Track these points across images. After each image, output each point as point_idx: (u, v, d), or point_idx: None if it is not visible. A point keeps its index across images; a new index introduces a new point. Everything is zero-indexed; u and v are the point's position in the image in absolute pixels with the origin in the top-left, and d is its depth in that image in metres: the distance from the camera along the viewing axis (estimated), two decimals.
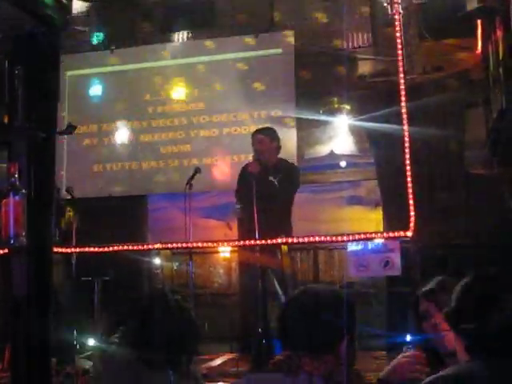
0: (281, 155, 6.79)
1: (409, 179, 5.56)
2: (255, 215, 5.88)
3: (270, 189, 6.36)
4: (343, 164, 8.85)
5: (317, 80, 8.71)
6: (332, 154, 8.86)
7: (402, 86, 5.71)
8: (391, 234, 5.60)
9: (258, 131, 6.79)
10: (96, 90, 9.50)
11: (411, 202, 5.54)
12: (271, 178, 6.45)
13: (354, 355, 2.37)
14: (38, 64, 2.39)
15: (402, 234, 5.47)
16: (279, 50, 8.92)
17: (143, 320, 3.08)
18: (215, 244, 6.77)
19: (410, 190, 5.56)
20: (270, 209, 6.14)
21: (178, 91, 9.27)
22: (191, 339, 3.16)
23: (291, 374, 2.21)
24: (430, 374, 2.41)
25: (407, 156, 5.58)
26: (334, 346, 2.29)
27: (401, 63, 5.81)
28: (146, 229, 9.52)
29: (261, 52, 9.00)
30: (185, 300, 3.31)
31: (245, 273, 6.47)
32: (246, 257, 6.29)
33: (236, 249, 7.09)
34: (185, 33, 9.43)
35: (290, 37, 8.90)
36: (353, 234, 5.76)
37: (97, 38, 9.36)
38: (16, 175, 2.29)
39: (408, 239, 5.54)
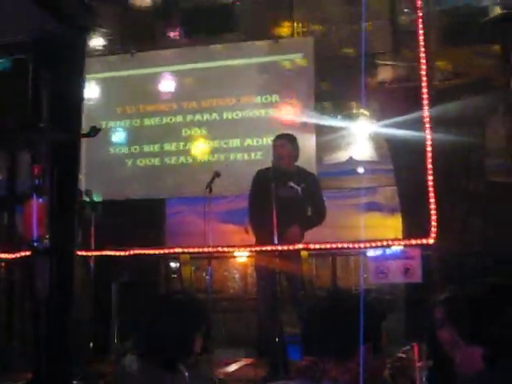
0: (300, 161, 6.76)
1: (430, 186, 5.52)
2: (274, 220, 5.87)
3: (291, 195, 6.35)
4: (361, 170, 8.82)
5: (336, 85, 8.68)
6: (351, 160, 8.83)
7: (425, 93, 5.66)
8: (413, 241, 5.56)
9: (279, 136, 6.76)
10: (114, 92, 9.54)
11: (433, 209, 5.50)
12: (292, 184, 6.43)
13: (380, 363, 2.34)
14: (63, 67, 2.38)
15: (423, 241, 5.43)
16: (299, 55, 8.90)
17: (154, 323, 3.08)
18: (234, 249, 6.74)
19: (432, 197, 5.51)
20: (288, 214, 6.12)
21: (197, 98, 9.27)
22: (202, 339, 3.16)
23: (315, 380, 2.19)
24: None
25: (429, 162, 5.54)
26: (356, 352, 2.26)
27: (423, 69, 5.76)
28: (164, 232, 9.52)
29: (280, 57, 8.99)
30: (195, 299, 3.30)
31: (262, 278, 6.44)
32: (264, 262, 6.26)
33: (253, 254, 7.06)
34: (204, 37, 9.42)
35: (309, 42, 8.88)
36: (374, 241, 5.72)
37: None
38: (40, 177, 2.28)
39: (428, 246, 5.50)
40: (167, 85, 9.36)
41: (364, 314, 2.18)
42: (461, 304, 2.33)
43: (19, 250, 6.05)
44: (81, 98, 2.60)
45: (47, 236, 2.31)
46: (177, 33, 9.60)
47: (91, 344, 6.26)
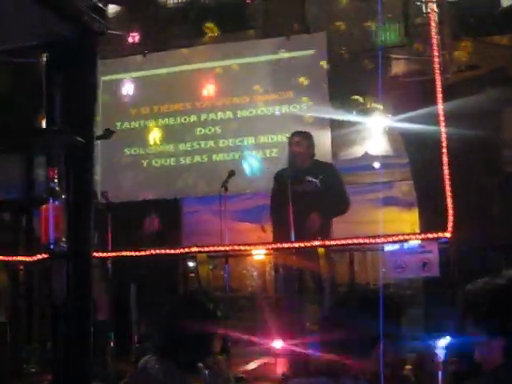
0: (315, 157, 6.77)
1: (447, 180, 5.49)
2: (291, 217, 5.88)
3: (309, 189, 6.35)
4: (377, 165, 8.79)
5: (350, 81, 8.65)
6: (366, 155, 8.80)
7: (439, 86, 5.63)
8: (430, 235, 5.53)
9: (295, 133, 6.78)
10: (129, 93, 9.57)
11: (449, 202, 5.47)
12: (310, 178, 6.44)
13: (400, 359, 2.33)
14: (76, 69, 2.38)
15: (440, 234, 5.40)
16: (312, 52, 8.88)
17: (174, 324, 3.09)
18: (252, 247, 6.74)
19: (449, 191, 5.48)
20: (309, 209, 6.14)
21: (209, 97, 9.28)
22: (221, 339, 3.16)
23: (335, 377, 2.18)
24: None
25: (445, 157, 5.51)
26: (377, 349, 2.25)
27: (437, 62, 5.73)
28: (181, 232, 9.54)
29: (293, 53, 8.98)
30: (216, 301, 3.30)
31: (281, 275, 6.45)
32: (283, 259, 6.27)
33: (270, 251, 7.06)
34: (217, 36, 9.43)
35: (322, 37, 8.86)
36: (391, 235, 5.70)
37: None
38: (55, 180, 2.28)
39: (446, 240, 5.47)
40: (180, 84, 9.37)
41: (382, 310, 2.17)
42: (479, 297, 2.31)
43: (37, 254, 6.09)
44: (94, 101, 2.60)
45: (64, 239, 2.32)
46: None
47: (111, 345, 6.28)
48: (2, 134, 2.34)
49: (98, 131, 6.32)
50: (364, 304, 2.31)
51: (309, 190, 6.36)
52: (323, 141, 8.36)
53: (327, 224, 6.52)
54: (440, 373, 2.87)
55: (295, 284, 5.93)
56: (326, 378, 2.20)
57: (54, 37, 2.34)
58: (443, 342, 3.23)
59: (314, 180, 6.46)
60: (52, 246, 2.30)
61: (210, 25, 9.39)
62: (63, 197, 2.30)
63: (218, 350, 3.14)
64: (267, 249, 6.87)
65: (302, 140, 6.64)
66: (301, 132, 6.83)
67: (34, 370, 6.36)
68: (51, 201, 2.30)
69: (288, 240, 5.94)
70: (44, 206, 2.28)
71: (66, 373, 2.26)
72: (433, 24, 5.83)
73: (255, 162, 8.93)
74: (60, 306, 2.28)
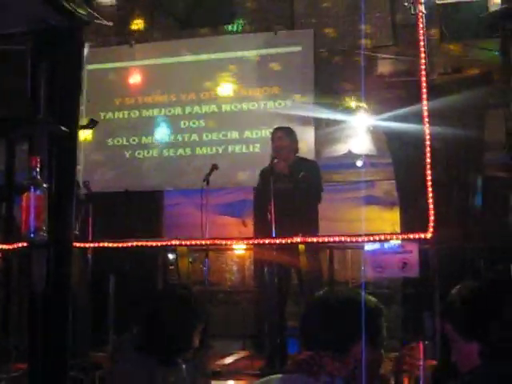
0: (299, 154, 6.77)
1: (429, 181, 5.51)
2: (273, 213, 5.89)
3: (290, 186, 6.35)
4: (359, 164, 8.81)
5: (335, 78, 8.67)
6: (350, 153, 8.82)
7: (424, 86, 5.65)
8: (410, 236, 5.55)
9: (277, 129, 6.80)
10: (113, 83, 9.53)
11: (431, 203, 5.48)
12: (292, 175, 6.44)
13: (378, 359, 2.34)
14: (61, 59, 2.37)
15: (421, 235, 5.42)
16: (298, 48, 8.89)
17: (155, 317, 3.08)
18: (233, 241, 6.74)
19: (430, 192, 5.50)
20: (290, 207, 6.14)
21: (193, 89, 9.26)
22: (200, 333, 3.16)
23: (312, 374, 2.19)
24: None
25: (428, 157, 5.52)
26: (353, 348, 2.26)
27: (423, 63, 5.75)
28: (162, 224, 9.52)
29: (280, 49, 8.98)
30: (194, 294, 3.29)
31: (261, 270, 6.45)
32: (263, 255, 6.27)
33: (251, 246, 7.07)
34: (204, 29, 9.41)
35: (309, 34, 8.86)
36: (372, 235, 5.71)
37: None
38: (37, 169, 2.27)
39: (426, 241, 5.49)
40: (166, 76, 9.35)
41: (360, 310, 2.18)
42: (455, 300, 2.32)
43: (17, 242, 6.05)
44: (79, 90, 2.59)
45: (44, 228, 2.31)
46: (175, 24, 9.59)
47: (88, 336, 6.26)
48: None
49: (82, 121, 6.30)
50: (343, 304, 2.32)
51: (290, 187, 6.35)
52: (307, 137, 8.38)
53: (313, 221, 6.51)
54: (418, 373, 2.88)
55: (274, 279, 5.94)
56: (302, 374, 2.20)
57: (40, 24, 2.33)
58: (421, 342, 3.24)
59: (295, 176, 6.45)
60: (32, 235, 2.29)
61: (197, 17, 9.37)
62: (45, 186, 2.29)
63: (197, 344, 3.13)
64: (247, 243, 6.87)
65: (284, 135, 6.64)
66: (283, 127, 6.84)
67: (9, 358, 6.33)
68: (32, 189, 2.29)
69: (269, 236, 5.94)
70: (25, 195, 2.27)
71: (44, 362, 2.25)
72: (420, 25, 5.84)
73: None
74: (39, 295, 2.27)
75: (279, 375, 2.34)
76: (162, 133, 9.32)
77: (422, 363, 2.70)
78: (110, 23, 8.68)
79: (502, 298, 2.27)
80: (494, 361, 2.17)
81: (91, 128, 6.20)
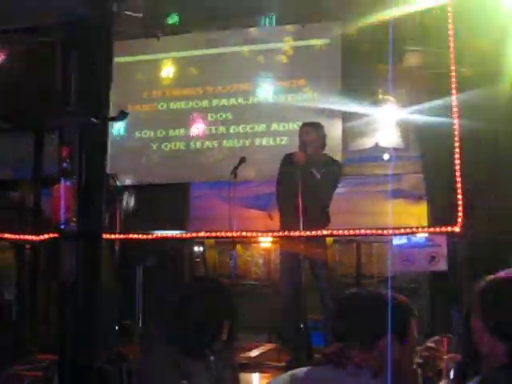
0: (326, 147, 6.76)
1: (458, 174, 5.46)
2: (300, 206, 5.87)
3: (310, 181, 6.34)
4: (386, 157, 8.75)
5: (363, 71, 8.60)
6: (377, 146, 8.77)
7: (453, 79, 5.60)
8: (439, 229, 5.51)
9: (305, 124, 6.81)
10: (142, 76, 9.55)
11: (459, 196, 5.44)
12: (313, 171, 6.44)
13: (407, 354, 2.33)
14: (91, 50, 2.37)
15: (449, 229, 5.38)
16: (327, 41, 8.84)
17: (184, 310, 3.08)
18: (258, 234, 6.74)
19: (459, 185, 5.46)
20: (309, 201, 6.12)
21: (223, 83, 9.25)
22: (229, 325, 3.16)
23: (340, 366, 2.19)
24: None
25: (457, 150, 5.48)
26: (379, 343, 2.26)
27: (452, 55, 5.70)
28: (188, 216, 9.53)
29: (308, 42, 8.94)
30: (225, 287, 3.29)
31: (286, 264, 6.44)
32: (289, 248, 6.26)
33: (276, 239, 7.06)
34: (232, 21, 9.37)
35: (337, 27, 8.81)
36: (399, 228, 5.68)
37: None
38: (67, 160, 2.28)
39: (455, 234, 5.44)
40: (193, 69, 9.35)
41: (389, 305, 2.18)
42: (489, 295, 2.28)
43: (45, 233, 6.10)
44: (109, 82, 2.60)
45: (74, 219, 2.32)
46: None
47: (116, 327, 6.30)
48: (15, 112, 2.34)
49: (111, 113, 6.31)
50: (373, 301, 2.31)
51: (309, 183, 6.34)
52: (334, 131, 8.34)
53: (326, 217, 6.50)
54: (442, 366, 2.86)
55: (300, 272, 5.93)
56: (330, 366, 2.21)
57: (71, 16, 2.33)
58: (445, 336, 3.21)
59: (316, 173, 6.46)
60: (62, 226, 2.30)
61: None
62: (74, 177, 2.30)
63: (225, 337, 3.13)
64: (273, 236, 6.87)
65: (311, 130, 6.66)
66: (311, 122, 6.85)
67: (35, 349, 6.38)
68: (63, 181, 2.30)
69: (293, 227, 5.94)
70: (55, 186, 2.28)
71: (73, 353, 2.27)
72: (449, 17, 5.79)
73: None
74: (69, 287, 2.28)
75: (308, 367, 2.34)
76: (189, 125, 9.32)
77: (445, 356, 2.69)
78: (140, 15, 8.67)
79: None
80: None
81: (122, 120, 6.21)
